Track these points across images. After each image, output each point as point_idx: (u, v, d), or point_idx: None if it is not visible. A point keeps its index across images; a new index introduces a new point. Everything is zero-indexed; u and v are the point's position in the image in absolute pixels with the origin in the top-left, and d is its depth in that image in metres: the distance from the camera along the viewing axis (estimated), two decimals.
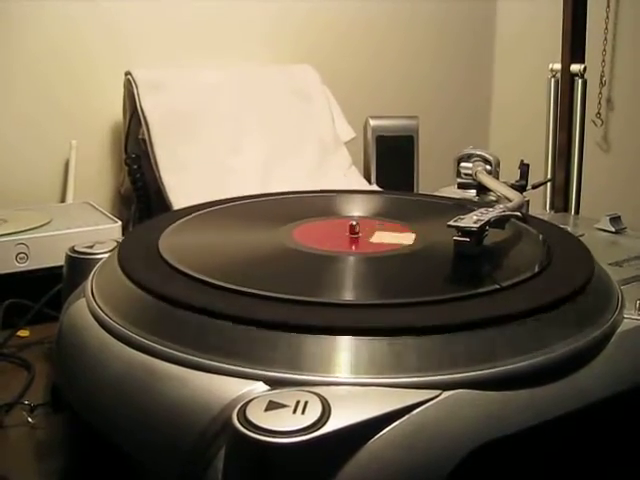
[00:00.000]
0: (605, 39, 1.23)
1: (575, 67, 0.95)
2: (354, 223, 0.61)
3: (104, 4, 1.04)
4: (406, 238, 0.60)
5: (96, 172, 1.07)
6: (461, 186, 0.85)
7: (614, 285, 0.54)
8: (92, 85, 1.05)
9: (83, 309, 0.51)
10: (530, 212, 0.76)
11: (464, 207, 0.66)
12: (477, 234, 0.54)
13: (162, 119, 0.97)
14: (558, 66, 0.97)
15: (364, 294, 0.52)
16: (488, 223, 0.56)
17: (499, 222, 0.59)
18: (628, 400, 0.46)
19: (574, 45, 0.96)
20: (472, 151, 0.84)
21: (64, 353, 0.51)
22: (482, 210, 0.58)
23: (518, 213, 0.63)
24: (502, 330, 0.43)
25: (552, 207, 0.99)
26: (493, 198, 0.80)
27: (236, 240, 0.61)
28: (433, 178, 0.97)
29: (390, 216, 0.67)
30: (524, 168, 0.84)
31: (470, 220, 0.55)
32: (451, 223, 0.54)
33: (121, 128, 1.05)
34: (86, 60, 1.04)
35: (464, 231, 0.54)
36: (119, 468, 0.43)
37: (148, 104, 0.97)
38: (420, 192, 1.06)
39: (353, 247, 0.59)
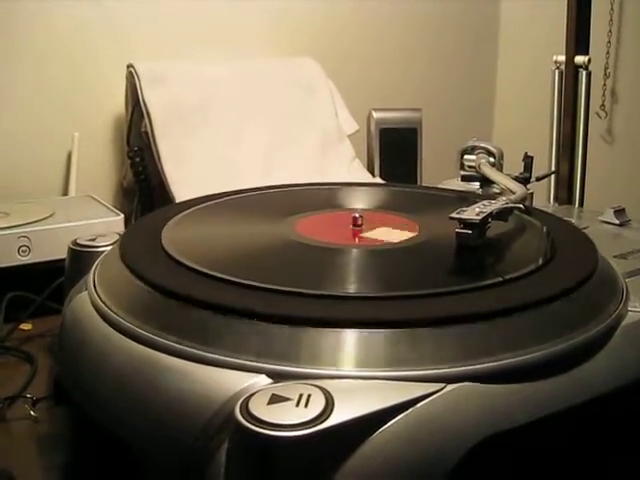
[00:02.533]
0: (610, 31, 1.23)
1: (579, 59, 0.95)
2: (357, 216, 0.61)
3: None
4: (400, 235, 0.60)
5: (98, 165, 1.07)
6: (465, 178, 0.85)
7: (618, 278, 0.54)
8: (94, 78, 1.04)
9: (85, 302, 0.51)
10: (534, 204, 0.76)
11: (467, 199, 0.66)
12: (479, 226, 0.54)
13: (164, 112, 0.97)
14: (562, 58, 0.97)
15: (367, 287, 0.52)
16: (490, 215, 0.56)
17: (501, 214, 0.58)
18: (633, 393, 0.46)
19: (578, 37, 0.95)
20: (476, 143, 0.84)
21: (66, 346, 0.51)
22: (484, 202, 0.58)
23: (520, 205, 0.63)
24: (506, 323, 0.43)
25: (556, 199, 0.99)
26: (497, 190, 0.79)
27: (239, 233, 0.61)
28: (437, 170, 0.97)
29: (393, 209, 0.67)
30: (528, 160, 0.83)
31: (472, 212, 0.55)
32: (453, 215, 0.54)
33: (123, 121, 1.04)
34: (88, 53, 1.03)
35: (466, 223, 0.54)
36: (121, 461, 0.43)
37: (150, 97, 0.97)
38: (423, 185, 1.06)
39: (356, 240, 0.59)
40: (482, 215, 0.54)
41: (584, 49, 0.96)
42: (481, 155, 0.83)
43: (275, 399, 0.36)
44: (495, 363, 0.41)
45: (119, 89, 1.02)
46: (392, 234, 0.59)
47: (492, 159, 0.83)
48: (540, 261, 0.52)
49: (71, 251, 0.64)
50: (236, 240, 0.59)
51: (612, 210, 0.74)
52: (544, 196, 0.99)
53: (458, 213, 0.54)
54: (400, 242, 0.57)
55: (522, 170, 0.83)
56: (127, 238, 0.58)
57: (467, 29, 1.41)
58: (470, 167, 0.84)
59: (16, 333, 0.69)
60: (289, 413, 0.35)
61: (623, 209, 0.75)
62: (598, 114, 1.24)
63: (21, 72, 1.00)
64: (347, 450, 0.36)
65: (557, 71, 0.98)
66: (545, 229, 0.61)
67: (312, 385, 0.38)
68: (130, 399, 0.42)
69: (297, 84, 1.10)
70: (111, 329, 0.46)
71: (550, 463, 0.43)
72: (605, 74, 1.25)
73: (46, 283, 0.69)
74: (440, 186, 0.83)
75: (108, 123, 1.07)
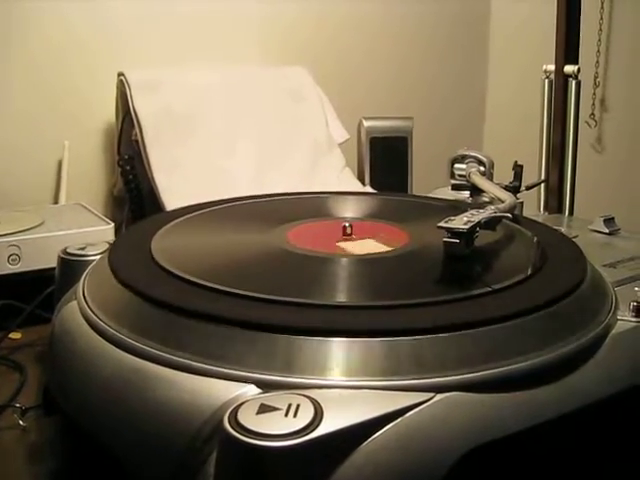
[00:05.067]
0: (599, 40, 1.23)
1: (569, 68, 0.95)
2: (347, 225, 0.61)
3: (100, 5, 1.03)
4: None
5: (89, 173, 1.07)
6: (455, 187, 0.85)
7: (608, 286, 0.54)
8: (85, 86, 1.04)
9: (75, 311, 0.51)
10: (524, 213, 0.76)
11: (457, 208, 0.66)
12: (467, 235, 0.54)
13: (155, 120, 0.97)
14: (552, 67, 0.97)
15: (356, 296, 0.52)
16: (478, 224, 0.56)
17: (490, 223, 0.58)
18: (623, 401, 0.46)
19: (568, 46, 0.96)
20: (466, 152, 0.84)
21: (56, 355, 0.51)
22: (473, 211, 0.58)
23: (509, 214, 0.63)
24: (495, 332, 0.43)
25: (546, 208, 0.99)
26: (487, 199, 0.80)
27: (229, 242, 0.61)
28: (427, 179, 0.97)
29: (383, 218, 0.67)
30: (518, 169, 0.84)
31: (460, 221, 0.54)
32: (441, 224, 0.54)
33: (114, 129, 1.04)
34: (79, 61, 1.03)
35: (453, 232, 0.54)
36: (110, 471, 0.43)
37: (141, 105, 0.97)
38: (414, 193, 1.06)
39: (339, 249, 0.59)
40: (470, 224, 0.54)
41: (574, 58, 0.96)
42: (471, 164, 0.83)
43: (264, 409, 0.36)
44: (484, 372, 0.41)
45: (110, 97, 1.03)
46: (373, 247, 0.59)
47: (482, 168, 0.83)
48: (529, 270, 0.52)
49: (61, 260, 0.63)
50: (226, 249, 0.59)
51: (601, 219, 0.75)
52: (534, 205, 1.00)
53: (446, 222, 0.54)
54: (390, 251, 0.57)
55: (512, 179, 0.83)
56: (117, 247, 0.58)
57: (457, 38, 1.42)
58: (460, 176, 0.84)
59: (5, 342, 0.68)
60: (278, 423, 0.35)
61: (612, 218, 0.75)
62: (588, 123, 1.25)
63: (12, 80, 1.00)
64: (336, 460, 0.36)
65: (547, 80, 0.98)
66: (534, 238, 0.62)
67: (301, 395, 0.38)
68: (119, 409, 0.42)
69: (288, 93, 1.11)
70: (100, 338, 0.46)
71: (541, 472, 0.43)
72: (595, 83, 1.25)
73: (36, 292, 0.68)
74: (430, 195, 0.83)
75: (99, 131, 1.07)
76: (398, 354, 0.41)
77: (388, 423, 0.37)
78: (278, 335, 0.41)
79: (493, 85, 1.47)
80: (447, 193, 0.85)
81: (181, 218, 0.66)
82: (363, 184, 1.10)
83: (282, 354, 0.40)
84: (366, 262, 0.56)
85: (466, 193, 0.83)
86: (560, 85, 0.96)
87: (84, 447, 0.47)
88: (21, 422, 0.56)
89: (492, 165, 0.83)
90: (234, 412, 0.36)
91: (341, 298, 0.50)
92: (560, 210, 0.98)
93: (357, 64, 1.29)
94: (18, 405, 0.57)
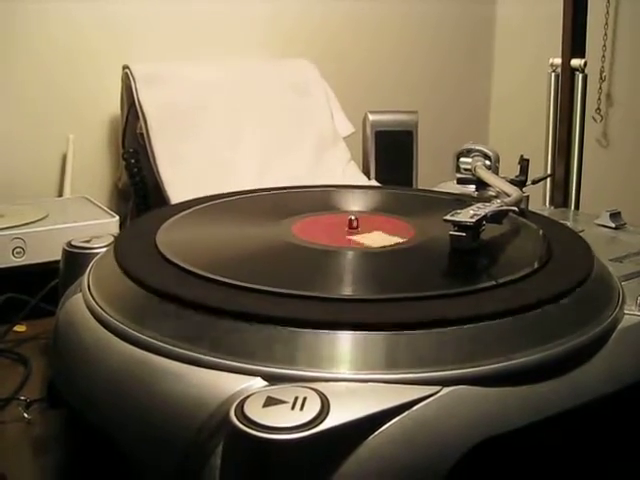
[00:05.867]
0: (605, 34, 1.23)
1: (575, 62, 0.95)
2: (353, 218, 0.61)
3: (104, 1, 1.03)
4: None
5: (94, 166, 1.06)
6: (460, 181, 0.85)
7: (615, 281, 0.54)
8: (90, 79, 1.04)
9: (80, 304, 0.51)
10: (530, 207, 0.76)
11: (463, 202, 0.66)
12: (473, 229, 0.54)
13: (160, 113, 0.97)
14: (558, 61, 0.97)
15: (363, 289, 0.51)
16: (485, 218, 0.55)
17: (496, 217, 0.58)
18: (629, 396, 0.46)
19: (574, 40, 0.95)
20: (471, 146, 0.84)
21: (61, 348, 0.51)
22: (479, 205, 0.57)
23: (515, 208, 0.63)
24: (502, 326, 0.43)
25: (552, 202, 0.99)
26: (492, 193, 0.79)
27: (234, 235, 0.61)
28: (432, 173, 0.97)
29: (389, 211, 0.67)
30: (524, 163, 0.83)
31: (466, 215, 0.54)
32: (447, 217, 0.54)
33: (119, 122, 1.04)
34: (84, 54, 1.03)
35: (460, 226, 0.53)
36: (116, 463, 0.43)
37: (146, 98, 0.97)
38: (419, 187, 1.06)
39: (352, 242, 0.59)
40: (476, 218, 0.54)
41: (580, 52, 0.96)
42: (477, 158, 0.83)
43: (270, 402, 0.36)
44: (491, 366, 0.40)
45: (115, 90, 1.02)
46: (384, 239, 0.59)
47: (488, 162, 0.82)
48: (536, 264, 0.52)
49: (66, 253, 0.63)
50: (231, 242, 0.59)
51: (608, 213, 0.74)
52: (540, 199, 0.99)
53: (452, 215, 0.54)
54: (395, 245, 0.57)
55: (518, 173, 0.83)
56: (122, 240, 0.58)
57: (463, 32, 1.41)
58: (466, 170, 0.84)
59: (10, 335, 0.69)
60: (285, 416, 0.35)
61: (619, 212, 0.75)
62: (594, 117, 1.25)
63: (17, 73, 1.00)
64: (343, 453, 0.36)
65: (553, 74, 0.98)
66: (541, 232, 0.61)
67: (308, 388, 0.37)
68: (124, 402, 0.42)
69: (293, 86, 1.10)
70: (105, 331, 0.46)
71: (546, 466, 0.43)
72: (601, 77, 1.25)
73: (40, 285, 0.68)
74: (436, 189, 0.83)
75: (104, 125, 1.07)
76: (404, 347, 0.41)
77: (394, 417, 0.37)
78: (285, 328, 0.41)
79: (499, 78, 1.47)
80: (452, 187, 0.84)
81: (186, 211, 0.66)
82: (368, 178, 1.10)
83: (289, 347, 0.40)
84: (372, 255, 0.55)
85: (472, 187, 0.83)
86: (566, 79, 0.96)
87: (89, 440, 0.47)
88: (26, 415, 0.56)
89: (498, 159, 0.83)
90: (241, 405, 0.36)
91: (347, 291, 0.49)
92: (566, 204, 0.98)
93: (363, 58, 1.29)
94: (23, 398, 0.58)
